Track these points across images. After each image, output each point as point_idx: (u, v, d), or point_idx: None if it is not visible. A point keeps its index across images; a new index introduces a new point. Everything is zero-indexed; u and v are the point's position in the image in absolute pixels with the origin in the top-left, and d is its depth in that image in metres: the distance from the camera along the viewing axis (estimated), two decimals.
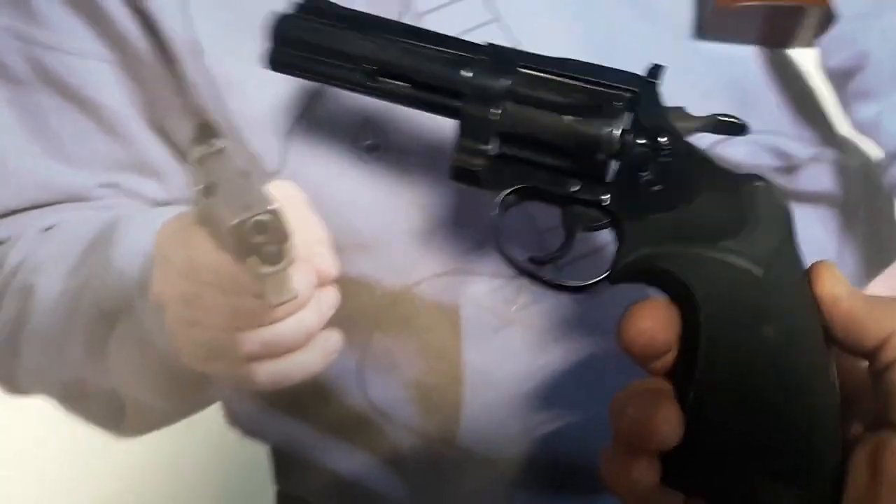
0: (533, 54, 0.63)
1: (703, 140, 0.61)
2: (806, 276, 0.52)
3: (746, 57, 0.90)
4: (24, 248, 0.85)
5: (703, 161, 0.57)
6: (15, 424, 1.40)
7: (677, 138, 0.58)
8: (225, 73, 0.81)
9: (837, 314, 0.50)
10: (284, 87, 0.80)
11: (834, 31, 0.87)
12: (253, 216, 0.54)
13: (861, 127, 0.90)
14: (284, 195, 0.61)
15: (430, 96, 0.64)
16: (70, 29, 0.83)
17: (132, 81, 0.85)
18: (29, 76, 0.85)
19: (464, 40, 0.65)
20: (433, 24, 0.80)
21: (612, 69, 0.61)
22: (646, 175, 0.57)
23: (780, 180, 0.87)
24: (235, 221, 0.54)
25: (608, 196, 0.58)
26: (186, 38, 0.80)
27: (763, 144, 0.86)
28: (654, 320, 0.52)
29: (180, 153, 0.88)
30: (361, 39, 0.66)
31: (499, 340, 0.82)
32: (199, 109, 0.83)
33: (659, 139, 0.57)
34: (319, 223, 0.68)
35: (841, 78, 0.91)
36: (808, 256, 0.54)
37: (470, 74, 0.62)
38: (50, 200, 0.86)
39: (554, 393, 0.83)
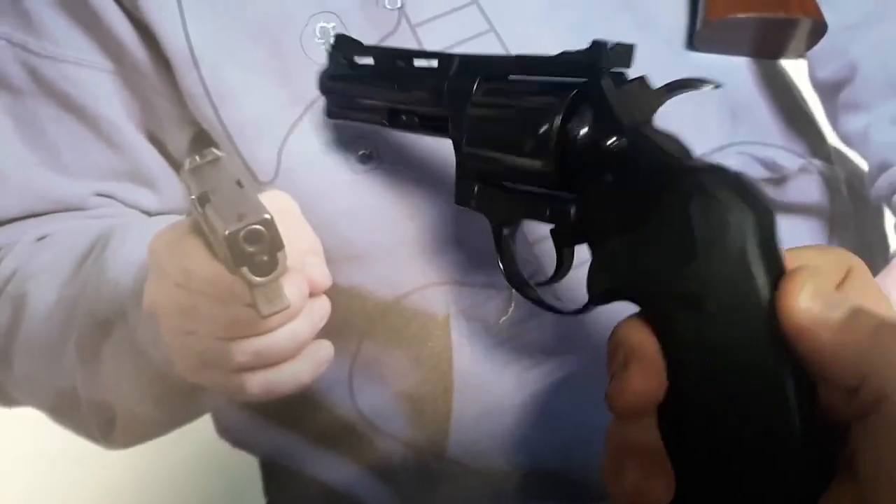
0: (492, 60, 0.63)
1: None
2: (770, 299, 0.43)
3: (738, 68, 0.90)
4: (19, 256, 0.85)
5: (659, 160, 0.50)
6: (5, 434, 1.40)
7: (634, 135, 0.51)
8: (220, 83, 0.80)
9: (804, 348, 0.42)
10: (279, 98, 0.80)
11: (823, 43, 0.87)
12: (246, 226, 0.53)
13: (849, 139, 0.90)
14: (278, 205, 0.60)
15: (430, 123, 0.67)
16: (68, 38, 0.83)
17: (129, 91, 0.85)
18: (27, 85, 0.84)
19: (444, 54, 0.67)
20: (428, 35, 0.81)
21: (563, 58, 0.57)
22: (605, 188, 0.51)
23: (770, 191, 0.87)
24: (229, 231, 0.53)
25: (575, 216, 0.54)
26: (183, 49, 0.80)
27: (753, 155, 0.86)
28: (643, 381, 0.45)
29: (175, 163, 0.88)
30: (371, 88, 0.71)
31: (489, 352, 0.82)
32: (195, 119, 0.83)
33: (608, 143, 0.52)
34: (312, 233, 0.68)
35: (830, 89, 0.91)
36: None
37: (443, 100, 0.64)
38: (45, 209, 0.86)
39: (543, 404, 0.83)
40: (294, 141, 0.80)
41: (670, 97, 0.54)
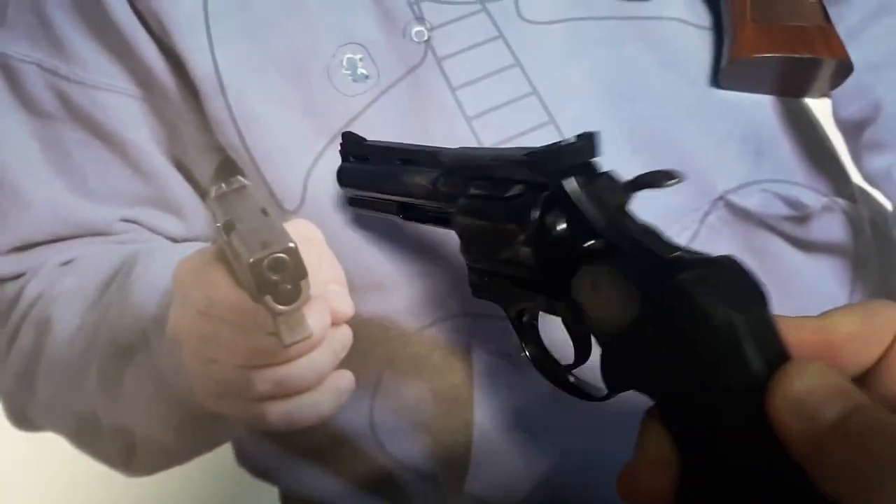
0: (469, 161, 0.62)
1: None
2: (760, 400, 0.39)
3: (763, 105, 0.89)
4: (43, 281, 0.85)
5: (636, 254, 0.47)
6: (18, 455, 1.39)
7: (607, 229, 0.50)
8: (247, 111, 0.80)
9: (796, 451, 0.38)
10: (305, 127, 0.80)
11: (847, 82, 0.86)
12: (270, 254, 0.53)
13: (872, 178, 0.89)
14: (302, 234, 0.60)
15: (437, 217, 0.68)
16: (98, 64, 0.83)
17: (156, 117, 0.85)
18: (56, 109, 0.84)
19: (440, 150, 0.66)
20: (453, 69, 0.81)
21: (531, 160, 0.55)
22: (592, 287, 0.49)
23: (793, 229, 0.86)
24: (253, 259, 0.52)
25: (574, 314, 0.51)
26: (211, 76, 0.80)
27: (776, 193, 0.85)
28: (652, 478, 0.43)
29: (201, 190, 0.88)
30: (376, 184, 0.72)
31: (510, 386, 0.81)
32: (221, 146, 0.82)
33: (585, 245, 0.50)
34: (336, 262, 0.68)
35: (853, 128, 0.90)
36: (820, 307, 0.44)
37: (441, 201, 0.64)
38: (70, 234, 0.86)
39: (564, 441, 0.81)
40: (320, 170, 0.80)
41: (635, 192, 0.51)
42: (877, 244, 0.92)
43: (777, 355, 0.40)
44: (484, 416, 0.81)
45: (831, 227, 0.89)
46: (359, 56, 0.80)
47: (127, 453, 0.83)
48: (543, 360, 0.60)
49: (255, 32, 0.81)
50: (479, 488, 0.82)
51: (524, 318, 0.59)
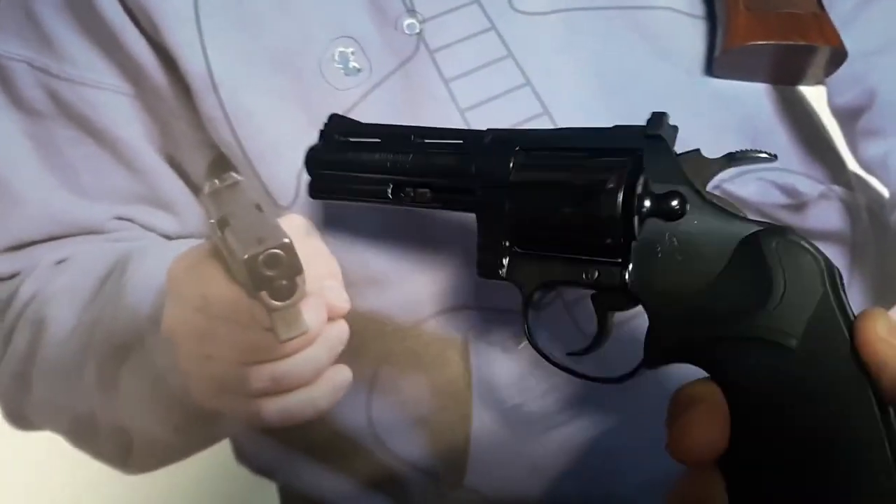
0: (532, 133, 0.62)
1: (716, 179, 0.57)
2: (849, 337, 0.46)
3: (757, 94, 0.89)
4: (37, 280, 0.85)
5: (723, 216, 0.52)
6: (17, 456, 1.40)
7: (692, 197, 0.53)
8: (240, 107, 0.80)
9: (885, 380, 0.45)
10: (298, 122, 0.80)
11: (842, 70, 0.86)
12: (265, 250, 0.53)
13: (868, 165, 0.89)
14: (297, 230, 0.61)
15: (449, 197, 0.65)
16: (89, 62, 0.83)
17: (149, 114, 0.85)
18: (47, 108, 0.84)
19: (467, 130, 0.66)
20: (445, 60, 0.80)
21: (615, 131, 0.58)
22: (663, 245, 0.53)
23: (789, 217, 0.86)
24: (248, 255, 0.53)
25: (626, 278, 0.54)
26: (203, 73, 0.80)
27: (772, 181, 0.85)
28: (706, 429, 0.47)
29: (194, 186, 0.88)
30: (378, 162, 0.67)
31: (508, 378, 0.81)
32: (214, 143, 0.82)
33: (672, 203, 0.53)
34: (331, 258, 0.68)
35: (849, 116, 0.90)
36: None
37: (474, 172, 0.62)
38: (64, 233, 0.86)
39: (564, 433, 0.81)
40: None
41: (727, 167, 0.56)
42: (874, 231, 0.92)
43: (848, 309, 0.47)
44: (482, 410, 0.81)
45: (828, 215, 0.89)
46: (350, 50, 0.80)
47: (124, 451, 0.83)
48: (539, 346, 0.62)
49: (247, 28, 0.81)
50: (479, 483, 0.82)
51: (535, 297, 0.60)
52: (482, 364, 0.80)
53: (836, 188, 0.90)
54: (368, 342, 0.80)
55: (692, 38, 0.87)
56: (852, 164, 0.94)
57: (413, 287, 0.80)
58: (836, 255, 0.89)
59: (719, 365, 0.49)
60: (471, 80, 0.81)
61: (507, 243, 0.60)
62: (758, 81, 0.88)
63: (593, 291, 0.57)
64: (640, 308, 0.54)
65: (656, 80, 0.85)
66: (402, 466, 0.84)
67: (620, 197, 0.54)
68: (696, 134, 0.82)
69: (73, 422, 0.84)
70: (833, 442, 0.45)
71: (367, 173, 0.68)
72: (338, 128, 0.71)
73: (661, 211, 0.53)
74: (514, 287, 0.61)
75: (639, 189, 0.54)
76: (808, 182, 0.88)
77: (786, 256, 0.48)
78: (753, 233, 0.50)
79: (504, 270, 0.60)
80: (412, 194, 0.66)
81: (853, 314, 0.47)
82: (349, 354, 0.67)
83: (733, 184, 0.83)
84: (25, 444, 0.94)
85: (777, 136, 0.89)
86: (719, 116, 0.86)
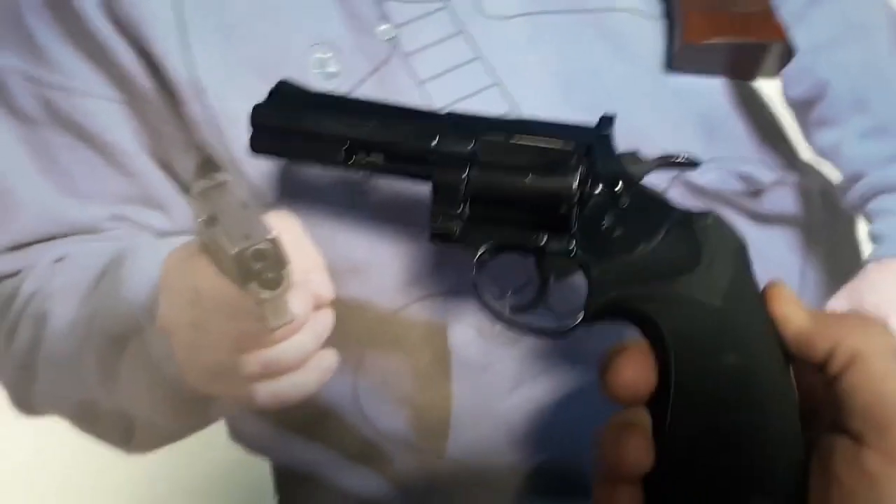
0: (493, 119, 0.67)
1: (661, 176, 0.65)
2: (762, 301, 0.54)
3: (714, 89, 0.92)
4: (38, 278, 0.86)
5: (657, 203, 0.60)
6: (16, 441, 1.40)
7: (632, 183, 0.61)
8: (225, 110, 0.82)
9: (789, 333, 0.53)
10: None
11: (794, 64, 0.89)
12: (253, 245, 0.56)
13: (821, 152, 0.92)
14: (282, 225, 0.62)
15: (403, 166, 0.68)
16: (79, 71, 0.84)
17: (138, 119, 0.86)
18: (41, 116, 0.86)
19: (427, 111, 0.70)
20: (419, 64, 0.83)
21: (567, 124, 0.64)
22: (607, 221, 0.60)
23: (747, 203, 0.89)
24: (236, 250, 0.56)
25: (574, 245, 0.61)
26: (189, 78, 0.81)
27: (730, 170, 0.88)
28: (634, 371, 0.54)
29: (184, 186, 0.89)
30: (334, 121, 0.68)
31: (484, 358, 0.83)
32: (202, 145, 0.84)
33: (615, 187, 0.60)
34: (315, 250, 0.70)
35: (802, 107, 0.93)
36: (774, 275, 0.56)
37: (435, 144, 0.65)
38: (61, 233, 0.87)
39: (539, 405, 0.84)
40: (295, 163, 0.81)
41: (655, 168, 0.63)
42: (826, 214, 0.95)
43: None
44: (462, 387, 0.83)
45: (783, 200, 0.92)
46: (328, 55, 0.82)
47: (126, 434, 0.85)
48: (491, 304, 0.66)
49: (230, 35, 0.82)
50: (460, 454, 0.84)
51: (485, 258, 0.65)
52: (461, 345, 0.83)
53: (791, 175, 0.93)
54: (353, 328, 0.82)
55: (651, 37, 0.90)
56: (805, 152, 0.97)
57: (392, 275, 0.82)
58: (791, 238, 0.93)
59: (651, 321, 0.55)
60: (443, 81, 0.83)
61: (461, 210, 0.64)
62: (714, 76, 0.92)
63: (537, 256, 0.63)
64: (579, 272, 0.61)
65: (618, 78, 0.87)
66: (387, 440, 0.86)
67: (577, 176, 0.61)
68: (656, 127, 0.86)
69: (76, 408, 0.86)
70: (747, 385, 0.53)
71: (320, 134, 0.69)
72: (290, 90, 0.72)
73: (607, 192, 0.61)
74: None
75: (590, 172, 0.61)
76: (764, 170, 0.91)
77: (712, 233, 0.57)
78: (686, 213, 0.58)
79: (456, 235, 0.64)
80: (365, 160, 0.68)
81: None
82: (335, 339, 0.69)
83: (693, 174, 0.86)
84: (19, 427, 0.96)
85: (733, 128, 0.92)
86: (678, 110, 0.89)
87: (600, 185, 0.61)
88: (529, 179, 0.61)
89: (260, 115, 0.71)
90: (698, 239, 0.57)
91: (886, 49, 0.92)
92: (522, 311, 0.66)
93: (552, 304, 0.66)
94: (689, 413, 0.53)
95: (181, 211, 0.89)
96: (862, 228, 0.94)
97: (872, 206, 0.87)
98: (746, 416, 0.52)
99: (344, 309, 0.71)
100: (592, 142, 0.62)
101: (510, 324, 0.66)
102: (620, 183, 0.61)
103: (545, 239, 0.62)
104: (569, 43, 0.87)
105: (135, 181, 0.88)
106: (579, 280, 0.61)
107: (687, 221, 0.58)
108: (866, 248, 0.89)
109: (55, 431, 0.92)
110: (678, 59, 0.88)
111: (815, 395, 0.52)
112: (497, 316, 0.65)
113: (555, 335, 0.64)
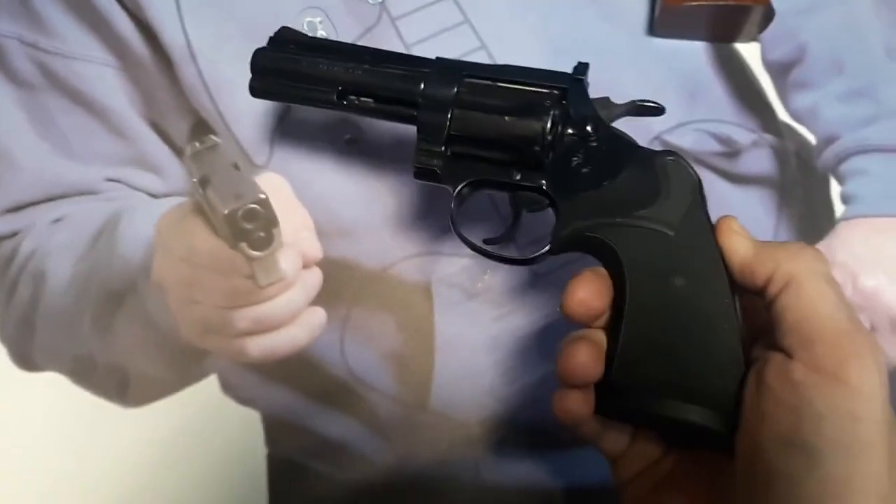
0: (475, 63, 0.70)
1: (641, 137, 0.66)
2: (712, 233, 0.59)
3: (695, 52, 0.93)
4: (37, 237, 0.87)
5: (623, 143, 0.64)
6: (14, 404, 1.41)
7: (601, 125, 0.65)
8: (217, 75, 0.83)
9: (735, 261, 0.57)
10: None
11: (774, 27, 0.90)
12: (244, 205, 0.57)
13: (798, 115, 0.93)
14: (272, 186, 0.64)
15: (392, 108, 0.70)
16: (76, 36, 0.86)
17: (133, 84, 0.87)
18: (38, 80, 0.87)
19: (415, 56, 0.71)
20: (406, 27, 0.84)
21: (544, 70, 0.68)
22: (576, 160, 0.64)
23: (724, 164, 0.91)
24: (228, 210, 0.57)
25: (545, 181, 0.65)
26: (182, 44, 0.82)
27: (709, 132, 0.90)
28: (587, 291, 0.59)
29: (178, 149, 0.90)
30: (329, 65, 0.71)
31: (466, 313, 0.85)
32: (194, 109, 0.85)
33: (586, 128, 0.64)
34: (304, 211, 0.72)
35: (780, 70, 0.94)
36: (751, 232, 0.60)
37: (422, 87, 0.68)
38: (59, 194, 0.88)
39: (514, 357, 0.86)
40: (285, 127, 0.83)
41: (627, 115, 0.67)
42: (801, 175, 0.96)
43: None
44: (445, 343, 0.85)
45: (760, 161, 0.93)
46: (318, 19, 0.83)
47: (122, 387, 0.88)
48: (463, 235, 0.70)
49: (221, 1, 0.83)
50: (442, 406, 0.87)
51: (464, 192, 0.68)
52: (443, 303, 0.85)
53: (768, 136, 0.94)
54: (341, 286, 0.83)
55: (635, 1, 0.92)
56: (782, 114, 0.98)
57: (380, 236, 0.84)
58: (766, 197, 0.94)
59: (613, 247, 0.60)
60: (430, 44, 0.84)
61: (443, 149, 0.67)
62: (695, 39, 0.92)
63: (511, 192, 0.67)
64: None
65: (602, 41, 0.88)
66: (372, 393, 0.88)
67: (551, 116, 0.65)
68: (639, 89, 0.86)
69: (74, 362, 0.88)
70: (693, 306, 0.58)
71: (315, 77, 0.71)
72: (290, 36, 0.75)
73: (578, 132, 0.65)
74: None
75: (563, 113, 0.65)
76: (742, 131, 0.92)
77: (671, 170, 0.62)
78: (649, 153, 0.63)
79: (439, 171, 0.68)
80: (357, 102, 0.71)
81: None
82: (323, 297, 0.72)
83: (672, 135, 0.87)
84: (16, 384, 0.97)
85: (713, 90, 0.92)
86: (660, 73, 0.90)
87: (572, 127, 0.65)
88: (506, 121, 0.65)
89: (260, 59, 0.73)
90: (658, 176, 0.61)
91: (867, 13, 0.93)
92: (496, 244, 0.69)
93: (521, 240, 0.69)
94: (641, 329, 0.58)
95: (175, 173, 0.90)
96: (835, 189, 0.95)
97: (845, 167, 0.89)
98: (692, 333, 0.57)
99: (332, 268, 0.73)
100: (567, 86, 0.66)
101: (483, 253, 0.69)
102: (590, 125, 0.65)
103: (519, 176, 0.66)
104: (553, 6, 0.87)
105: (130, 144, 0.89)
106: (550, 217, 0.65)
107: (649, 160, 0.62)
108: (839, 208, 0.91)
109: (52, 391, 0.94)
110: (660, 22, 0.89)
111: (760, 320, 0.57)
112: (471, 246, 0.68)
113: (523, 263, 0.67)
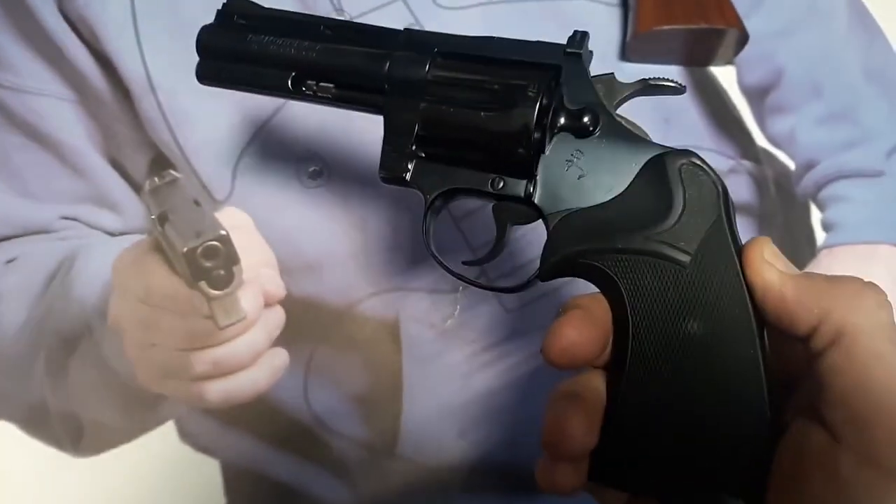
0: (451, 36, 0.59)
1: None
2: (737, 260, 0.47)
3: (670, 76, 0.91)
4: None
5: (631, 138, 0.52)
6: None
7: (603, 115, 0.53)
8: (176, 108, 0.81)
9: (768, 302, 0.46)
10: (232, 120, 0.81)
11: (750, 50, 0.89)
12: (203, 242, 0.54)
13: (776, 140, 0.92)
14: (233, 222, 0.61)
15: (355, 95, 0.60)
16: (32, 70, 0.84)
17: (91, 118, 0.86)
18: None
19: (383, 28, 0.61)
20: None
21: (536, 43, 0.56)
22: (571, 163, 0.52)
23: None
24: (187, 248, 0.54)
25: (532, 190, 0.53)
26: (141, 76, 0.81)
27: None
28: (575, 335, 0.47)
29: (136, 185, 0.88)
30: (281, 46, 0.61)
31: (436, 353, 0.83)
32: (153, 142, 0.83)
33: (583, 119, 0.52)
34: (266, 247, 0.69)
35: (757, 94, 0.93)
36: None
37: (387, 68, 0.58)
38: (13, 234, 0.87)
39: (488, 402, 0.84)
40: (247, 160, 0.81)
41: (639, 93, 0.56)
42: (781, 201, 0.95)
43: (737, 234, 0.49)
44: (412, 383, 0.83)
45: (738, 188, 0.92)
46: None
47: (75, 436, 0.85)
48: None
49: (182, 33, 0.80)
50: (411, 452, 0.84)
51: (436, 204, 0.57)
52: (412, 341, 0.82)
53: (746, 162, 0.93)
54: (304, 326, 0.81)
55: (607, 25, 0.89)
56: (760, 140, 0.97)
57: (345, 272, 0.82)
58: (746, 226, 0.92)
59: (613, 278, 0.49)
60: None
61: (414, 147, 0.57)
62: (670, 64, 0.91)
63: (494, 202, 0.56)
64: (538, 221, 0.55)
65: None
66: (339, 439, 0.86)
67: (536, 108, 0.53)
68: None
69: (26, 411, 0.86)
70: (710, 357, 0.47)
71: (267, 59, 0.62)
72: (239, 9, 0.65)
73: (573, 127, 0.53)
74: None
75: (554, 102, 0.53)
76: (719, 157, 0.91)
77: (688, 178, 0.49)
78: (659, 154, 0.51)
79: (409, 175, 0.57)
80: (314, 88, 0.61)
81: (741, 241, 0.49)
82: (286, 338, 0.69)
83: None
84: None
85: (689, 115, 0.91)
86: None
87: (565, 119, 0.53)
88: (485, 117, 0.54)
89: (205, 38, 0.65)
90: (671, 184, 0.49)
91: (843, 34, 0.92)
92: (479, 265, 0.59)
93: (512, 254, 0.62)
94: (646, 386, 0.47)
95: (133, 210, 0.89)
96: (816, 215, 0.93)
97: (825, 193, 0.88)
98: (707, 391, 0.46)
99: (296, 307, 0.71)
100: (560, 63, 0.54)
101: (464, 280, 0.59)
102: (588, 117, 0.53)
103: (502, 184, 0.54)
104: (522, 31, 0.85)
105: (87, 181, 0.87)
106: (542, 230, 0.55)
107: (660, 163, 0.50)
108: (820, 235, 0.89)
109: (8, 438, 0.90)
110: (632, 47, 0.87)
111: (795, 367, 0.47)
112: (447, 271, 0.59)
113: (509, 291, 0.57)
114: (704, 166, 0.50)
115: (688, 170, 0.50)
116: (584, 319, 0.48)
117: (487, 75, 0.55)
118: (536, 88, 0.53)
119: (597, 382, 0.49)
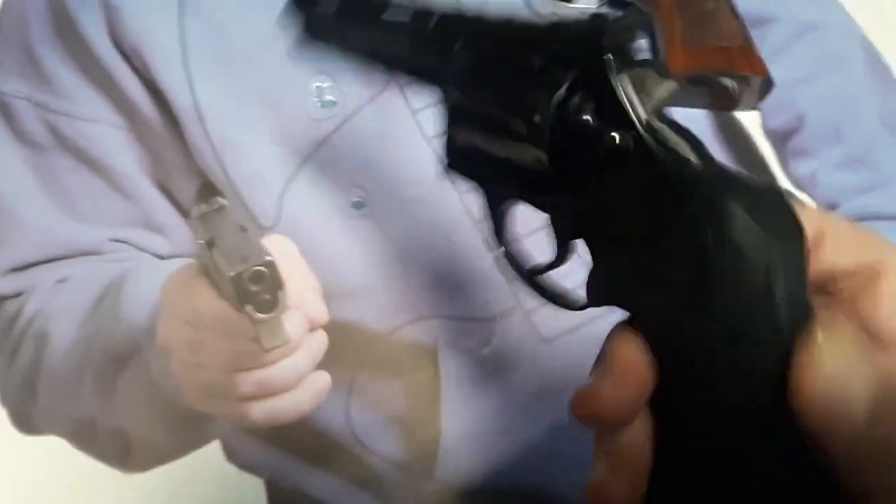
0: (472, 21, 0.51)
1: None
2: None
3: (697, 119, 0.93)
4: (40, 298, 0.86)
5: (671, 170, 0.39)
6: (15, 465, 1.39)
7: (642, 132, 0.40)
8: (225, 137, 0.82)
9: (836, 446, 0.34)
10: (279, 151, 0.82)
11: (774, 96, 0.90)
12: (250, 267, 0.56)
13: (798, 182, 0.93)
14: (279, 248, 0.62)
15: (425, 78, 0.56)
16: (84, 97, 0.85)
17: (140, 145, 0.86)
18: (46, 140, 0.86)
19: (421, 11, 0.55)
20: (413, 94, 0.82)
21: (572, 25, 0.45)
22: (606, 191, 0.41)
23: None
24: (234, 272, 0.56)
25: (573, 213, 0.43)
26: (190, 106, 0.82)
27: None
28: (611, 397, 0.37)
29: (184, 210, 0.89)
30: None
31: (474, 381, 0.83)
32: (202, 170, 0.84)
33: (611, 138, 0.40)
34: (310, 273, 0.70)
35: (780, 138, 0.94)
36: None
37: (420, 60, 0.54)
38: (64, 255, 0.87)
39: (525, 429, 0.84)
40: (293, 189, 0.82)
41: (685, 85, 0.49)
42: None
43: (801, 308, 0.35)
44: (451, 409, 0.83)
45: None
46: (326, 84, 0.82)
47: (123, 452, 0.85)
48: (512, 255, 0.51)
49: (232, 65, 0.82)
50: (449, 475, 0.84)
51: (501, 207, 0.50)
52: (450, 367, 0.83)
53: None
54: (346, 350, 0.81)
55: None
56: (784, 182, 0.98)
57: (385, 298, 0.82)
58: None
59: (650, 339, 0.37)
60: (435, 111, 0.84)
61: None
62: (697, 108, 0.92)
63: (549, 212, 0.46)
64: None
65: None
66: (378, 460, 0.86)
67: (548, 133, 0.43)
68: None
69: (75, 426, 0.86)
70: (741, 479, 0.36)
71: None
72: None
73: (601, 144, 0.41)
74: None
75: (576, 117, 0.42)
76: None
77: (724, 241, 0.36)
78: (720, 189, 0.37)
79: (473, 170, 0.50)
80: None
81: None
82: (328, 361, 0.69)
83: None
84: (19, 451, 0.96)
85: (715, 156, 0.92)
86: None
87: (591, 130, 0.41)
88: (498, 144, 0.46)
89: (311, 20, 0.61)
90: (727, 236, 0.35)
91: (862, 81, 0.93)
92: (540, 273, 0.49)
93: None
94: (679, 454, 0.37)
95: (181, 234, 0.89)
96: None
97: None
98: (743, 468, 0.36)
99: (338, 331, 0.72)
100: (578, 66, 0.42)
101: (533, 286, 0.49)
102: (619, 136, 0.40)
103: (542, 201, 0.45)
104: None
105: (136, 205, 0.88)
106: None
107: (719, 202, 0.36)
108: None
109: (53, 452, 0.91)
110: None
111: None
112: (520, 273, 0.50)
113: (563, 306, 0.48)
114: (786, 208, 0.36)
115: (726, 227, 0.36)
116: (619, 379, 0.37)
117: (499, 81, 0.47)
118: (544, 109, 0.43)
119: (639, 439, 0.38)
